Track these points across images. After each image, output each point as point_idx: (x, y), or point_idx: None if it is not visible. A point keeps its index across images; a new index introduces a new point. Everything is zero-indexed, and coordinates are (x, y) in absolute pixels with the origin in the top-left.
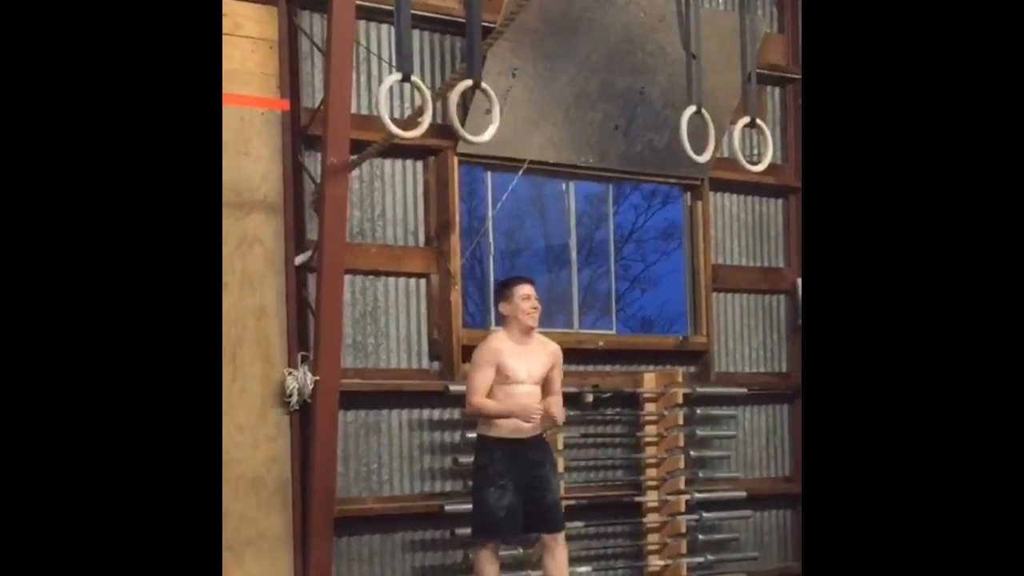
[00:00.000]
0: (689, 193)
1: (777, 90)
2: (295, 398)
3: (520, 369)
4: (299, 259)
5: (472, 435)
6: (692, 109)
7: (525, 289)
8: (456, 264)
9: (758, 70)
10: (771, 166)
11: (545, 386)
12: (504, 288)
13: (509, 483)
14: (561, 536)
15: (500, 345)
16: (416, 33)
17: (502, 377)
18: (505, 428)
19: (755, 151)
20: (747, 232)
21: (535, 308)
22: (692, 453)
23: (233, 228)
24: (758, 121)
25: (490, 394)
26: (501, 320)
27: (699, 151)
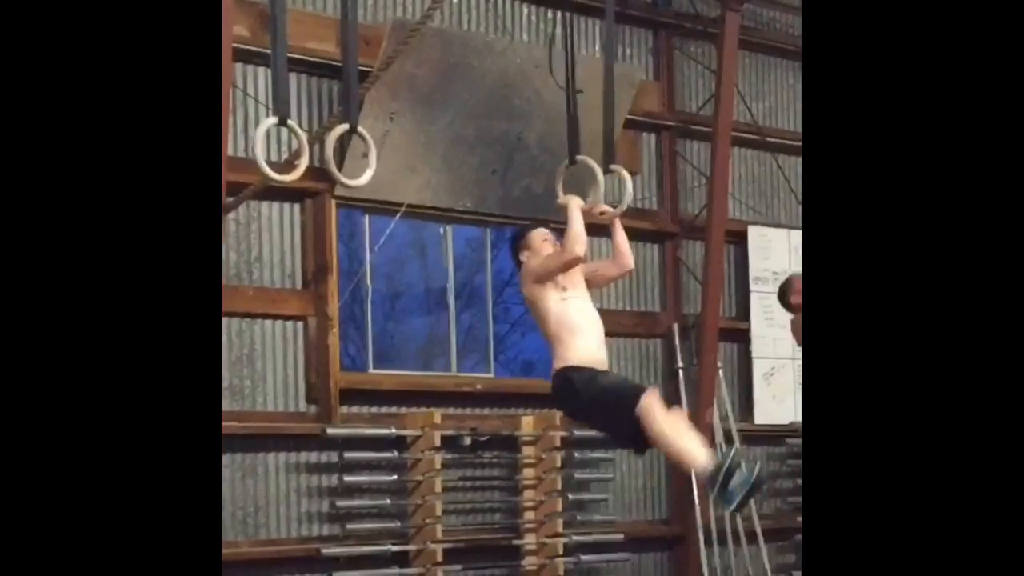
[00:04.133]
0: None
1: (653, 136)
2: None
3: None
4: None
5: (350, 478)
6: (565, 163)
7: (543, 233)
8: (334, 307)
9: (634, 116)
10: (648, 212)
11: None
12: (519, 239)
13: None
14: None
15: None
16: (293, 76)
17: (559, 289)
18: (585, 358)
19: (643, 196)
20: (624, 277)
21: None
22: (570, 496)
23: None
24: (613, 166)
25: (548, 314)
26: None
27: (583, 196)
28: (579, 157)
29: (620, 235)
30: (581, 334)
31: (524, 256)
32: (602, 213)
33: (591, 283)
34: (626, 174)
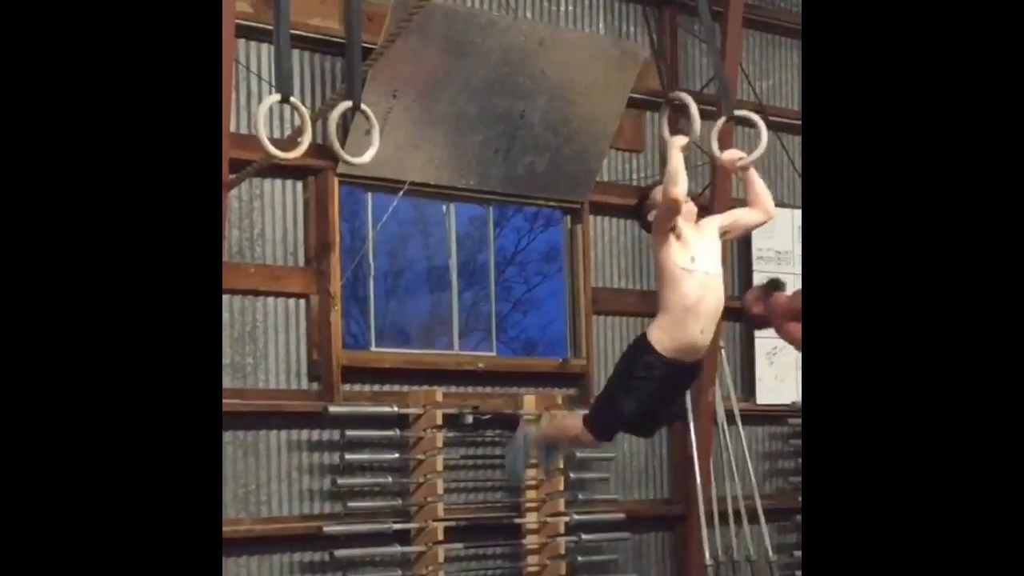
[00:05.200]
0: (569, 216)
1: (656, 115)
2: None
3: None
4: None
5: (351, 456)
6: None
7: None
8: (336, 285)
9: (637, 95)
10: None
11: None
12: (643, 201)
13: (648, 400)
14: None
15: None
16: (296, 53)
17: (687, 253)
18: (680, 349)
19: (646, 175)
20: (626, 255)
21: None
22: (571, 475)
23: None
24: (741, 113)
25: (665, 275)
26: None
27: (580, 175)
28: (674, 93)
29: (757, 182)
30: (688, 313)
31: (652, 216)
32: (738, 161)
33: (729, 233)
34: (758, 120)
